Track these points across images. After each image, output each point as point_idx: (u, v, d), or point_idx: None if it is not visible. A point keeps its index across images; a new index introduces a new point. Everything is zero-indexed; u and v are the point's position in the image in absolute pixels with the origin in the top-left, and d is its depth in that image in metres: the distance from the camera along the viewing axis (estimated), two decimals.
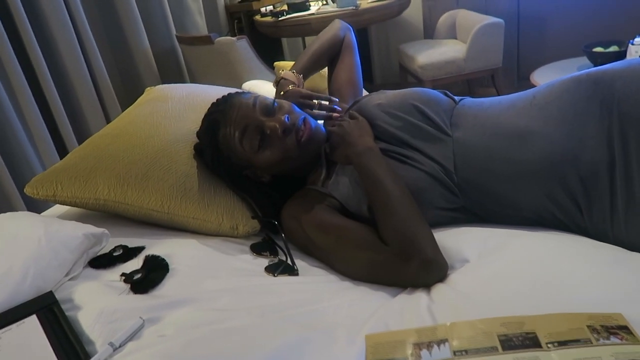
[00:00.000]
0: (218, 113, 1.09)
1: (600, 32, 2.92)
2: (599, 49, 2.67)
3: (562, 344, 0.65)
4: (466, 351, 0.66)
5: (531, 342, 0.66)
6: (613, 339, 0.64)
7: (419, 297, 0.85)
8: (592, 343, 0.64)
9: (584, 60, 2.71)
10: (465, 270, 0.89)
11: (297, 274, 0.96)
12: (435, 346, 0.68)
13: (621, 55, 2.50)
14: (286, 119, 1.03)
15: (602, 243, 0.88)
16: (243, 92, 1.18)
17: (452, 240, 0.97)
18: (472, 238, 0.96)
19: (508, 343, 0.66)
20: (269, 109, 1.06)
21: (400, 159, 1.03)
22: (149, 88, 1.53)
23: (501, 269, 0.85)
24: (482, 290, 0.82)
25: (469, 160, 0.98)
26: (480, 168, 0.97)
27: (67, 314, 0.85)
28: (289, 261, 0.99)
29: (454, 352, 0.67)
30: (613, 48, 2.65)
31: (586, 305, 0.72)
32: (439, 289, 0.86)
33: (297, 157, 1.06)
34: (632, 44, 2.43)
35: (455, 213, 1.02)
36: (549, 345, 0.65)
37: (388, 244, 0.90)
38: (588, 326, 0.67)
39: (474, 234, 0.98)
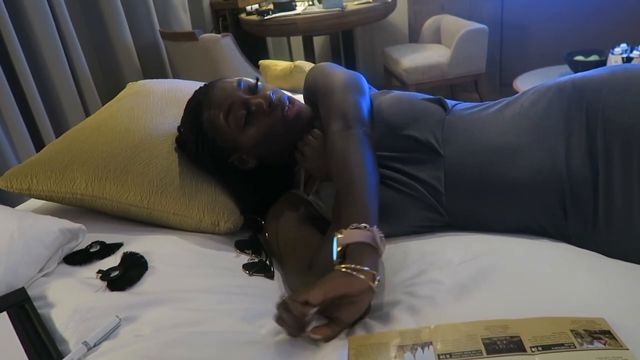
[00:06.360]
0: (202, 95, 1.08)
1: (581, 41, 2.98)
2: (579, 58, 2.72)
3: (546, 348, 0.64)
4: (450, 354, 0.66)
5: (515, 346, 0.65)
6: (596, 344, 0.64)
7: (401, 300, 0.84)
8: (575, 347, 0.64)
9: (565, 68, 2.75)
10: (448, 273, 0.88)
11: (272, 277, 0.94)
12: (419, 349, 0.67)
13: (601, 64, 2.56)
14: (271, 95, 1.03)
15: (583, 250, 0.88)
16: (226, 78, 1.17)
17: (436, 243, 0.96)
18: (456, 242, 0.95)
19: (492, 347, 0.65)
20: (254, 89, 1.06)
21: (386, 183, 0.98)
22: (130, 83, 1.50)
23: (484, 272, 0.85)
24: (465, 293, 0.82)
25: (460, 179, 0.96)
26: (471, 185, 0.95)
27: (39, 311, 0.82)
28: (267, 261, 0.97)
29: (438, 356, 0.66)
30: (593, 57, 2.69)
31: (569, 309, 0.72)
32: (422, 291, 0.85)
33: (283, 133, 1.04)
34: (612, 53, 2.49)
35: (438, 230, 1.00)
36: (533, 349, 0.64)
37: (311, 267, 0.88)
38: (571, 330, 0.67)
39: (458, 238, 0.97)
